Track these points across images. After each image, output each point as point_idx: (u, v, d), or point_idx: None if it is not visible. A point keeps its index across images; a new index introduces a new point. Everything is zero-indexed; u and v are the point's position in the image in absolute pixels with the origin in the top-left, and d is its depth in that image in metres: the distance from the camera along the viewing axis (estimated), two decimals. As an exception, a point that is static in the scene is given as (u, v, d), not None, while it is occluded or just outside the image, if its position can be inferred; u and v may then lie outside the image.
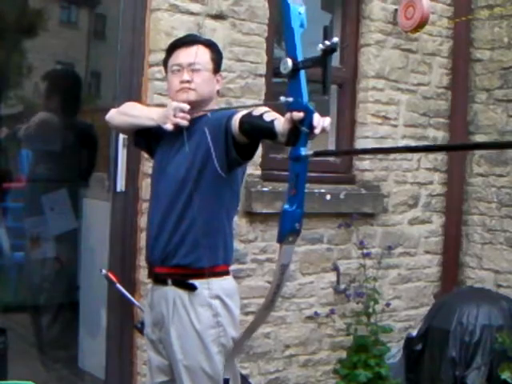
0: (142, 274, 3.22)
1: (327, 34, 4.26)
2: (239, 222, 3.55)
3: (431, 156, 4.37)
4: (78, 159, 4.32)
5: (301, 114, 1.80)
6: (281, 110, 1.95)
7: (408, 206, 4.31)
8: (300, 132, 1.81)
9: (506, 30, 4.35)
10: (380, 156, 4.13)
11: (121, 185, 3.32)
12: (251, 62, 3.58)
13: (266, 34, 3.62)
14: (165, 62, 2.62)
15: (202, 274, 2.42)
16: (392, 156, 4.22)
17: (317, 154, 1.87)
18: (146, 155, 3.05)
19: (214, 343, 2.43)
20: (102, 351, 3.45)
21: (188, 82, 2.48)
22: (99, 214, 3.72)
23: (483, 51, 4.45)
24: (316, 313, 3.92)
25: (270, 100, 3.58)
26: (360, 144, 4.13)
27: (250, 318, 2.99)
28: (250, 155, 2.41)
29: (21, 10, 5.43)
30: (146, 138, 2.68)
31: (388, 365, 3.91)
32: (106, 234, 3.41)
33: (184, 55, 2.52)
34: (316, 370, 3.98)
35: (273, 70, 3.68)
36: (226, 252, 2.51)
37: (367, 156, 4.09)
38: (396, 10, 4.08)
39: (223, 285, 2.50)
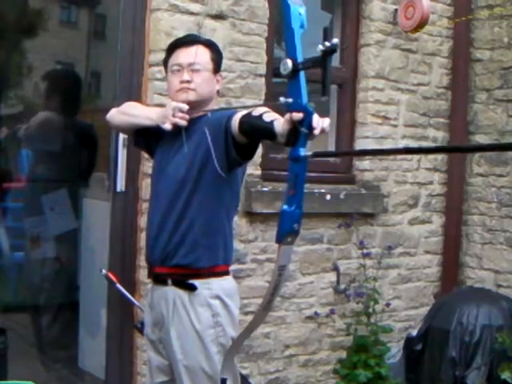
0: (142, 274, 3.22)
1: (327, 35, 4.26)
2: (239, 222, 3.55)
3: (431, 156, 4.37)
4: (78, 159, 4.32)
5: (300, 115, 1.80)
6: (281, 110, 1.95)
7: (408, 206, 4.32)
8: (299, 133, 1.81)
9: (506, 30, 4.35)
10: (380, 156, 4.13)
11: (121, 185, 3.32)
12: (251, 62, 3.58)
13: (266, 34, 3.62)
14: (165, 62, 2.62)
15: (201, 273, 2.43)
16: (392, 156, 4.22)
17: (316, 155, 1.87)
18: (146, 155, 3.06)
19: (214, 343, 2.43)
20: (102, 351, 3.45)
21: (188, 82, 2.49)
22: (99, 214, 3.72)
23: (483, 51, 4.45)
24: (316, 313, 3.92)
25: (270, 100, 3.58)
26: (360, 144, 4.13)
27: (250, 317, 2.98)
28: (249, 155, 2.41)
29: (21, 10, 5.43)
30: (146, 138, 2.68)
31: (388, 365, 3.91)
32: (106, 234, 3.41)
33: (184, 55, 2.52)
34: (316, 370, 3.99)
35: (273, 70, 3.68)
36: (225, 252, 2.52)
37: (367, 156, 4.09)
38: (396, 10, 4.08)
39: (223, 285, 2.50)
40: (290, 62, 1.79)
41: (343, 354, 3.99)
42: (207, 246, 2.44)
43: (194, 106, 2.48)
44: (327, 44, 1.72)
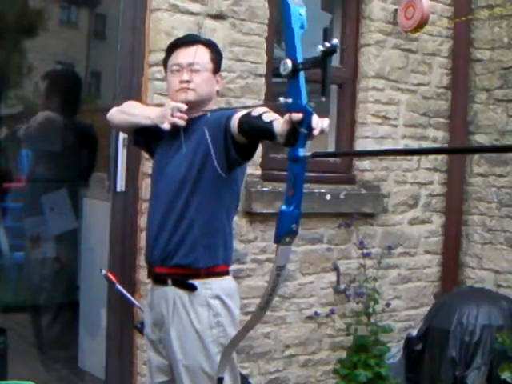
0: (142, 274, 3.22)
1: (327, 36, 4.26)
2: (239, 222, 3.55)
3: (431, 156, 4.37)
4: (78, 159, 4.32)
5: (300, 115, 1.80)
6: (280, 110, 1.95)
7: (408, 206, 4.32)
8: (299, 133, 1.81)
9: (506, 30, 4.35)
10: (380, 156, 4.13)
11: (121, 185, 3.32)
12: (251, 62, 3.58)
13: (266, 34, 3.62)
14: (164, 62, 2.62)
15: (201, 273, 2.43)
16: (392, 156, 4.22)
17: (315, 155, 1.87)
18: (146, 155, 3.06)
19: (214, 343, 2.43)
20: (102, 351, 3.45)
21: (187, 82, 2.49)
22: (99, 214, 3.72)
23: (483, 51, 4.45)
24: (316, 313, 3.92)
25: (270, 100, 3.58)
26: (360, 144, 4.13)
27: (250, 318, 2.99)
28: (249, 155, 2.41)
29: (21, 10, 5.43)
30: (146, 137, 2.68)
31: (388, 365, 3.91)
32: (105, 234, 3.41)
33: (184, 55, 2.52)
34: (316, 370, 3.99)
35: (273, 70, 3.68)
36: (225, 252, 2.52)
37: (367, 156, 4.09)
38: (396, 9, 4.08)
39: (223, 285, 2.50)
40: (289, 63, 1.79)
41: (343, 354, 3.99)
42: (207, 245, 2.44)
43: (193, 106, 2.48)
44: (327, 44, 1.72)
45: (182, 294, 2.45)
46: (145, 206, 3.14)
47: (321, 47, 1.72)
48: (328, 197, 3.88)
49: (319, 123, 1.84)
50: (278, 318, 3.80)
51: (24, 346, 4.06)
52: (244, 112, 2.28)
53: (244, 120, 2.24)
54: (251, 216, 3.64)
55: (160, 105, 3.02)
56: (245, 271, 3.64)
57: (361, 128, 4.15)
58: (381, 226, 4.19)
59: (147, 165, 3.18)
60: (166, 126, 2.46)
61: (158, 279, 2.53)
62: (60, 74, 5.25)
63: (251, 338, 3.64)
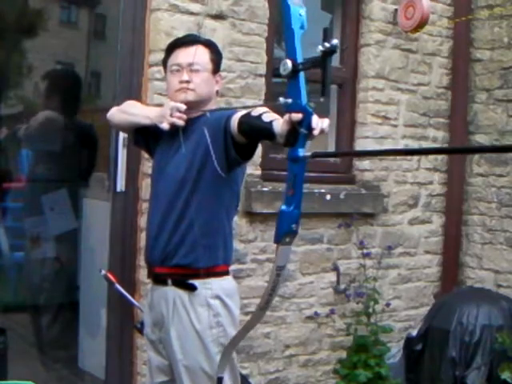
0: (142, 274, 3.22)
1: (327, 36, 4.25)
2: (239, 222, 3.55)
3: (431, 156, 4.37)
4: (78, 159, 4.32)
5: (299, 116, 1.80)
6: (280, 110, 1.95)
7: (408, 206, 4.32)
8: (298, 133, 1.81)
9: (506, 30, 4.35)
10: (380, 156, 4.13)
11: (121, 185, 3.32)
12: (251, 62, 3.58)
13: (266, 34, 3.62)
14: (164, 62, 2.62)
15: (201, 273, 2.43)
16: (392, 156, 4.22)
17: (315, 155, 1.87)
18: (146, 155, 3.06)
19: (214, 343, 2.43)
20: (102, 351, 3.45)
21: (187, 82, 2.49)
22: (99, 214, 3.72)
23: (483, 51, 4.45)
24: (316, 313, 3.92)
25: (270, 100, 3.58)
26: (360, 144, 4.12)
27: (250, 318, 2.99)
28: (249, 155, 2.41)
29: (21, 10, 5.43)
30: (145, 137, 2.68)
31: (388, 365, 3.91)
32: (106, 234, 3.41)
33: (183, 55, 2.52)
34: (316, 370, 3.99)
35: (273, 70, 3.68)
36: (225, 252, 2.52)
37: (367, 156, 4.09)
38: (396, 9, 4.08)
39: (223, 285, 2.50)
40: (289, 63, 1.79)
41: (343, 354, 4.00)
42: (207, 245, 2.44)
43: (192, 106, 2.48)
44: (327, 45, 1.72)
45: (182, 294, 2.45)
46: (145, 206, 3.14)
47: (321, 47, 1.72)
48: (328, 197, 3.88)
49: (319, 123, 1.84)
50: (278, 318, 3.80)
51: (24, 345, 4.06)
52: (244, 112, 2.28)
53: (244, 120, 2.24)
54: (251, 216, 3.64)
55: (160, 105, 3.02)
56: (245, 271, 3.64)
57: (361, 128, 4.15)
58: (381, 226, 4.19)
59: (147, 165, 3.18)
60: (164, 125, 2.46)
61: (158, 279, 2.54)
62: (60, 73, 5.25)
63: (251, 338, 3.64)
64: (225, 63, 2.94)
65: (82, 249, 4.07)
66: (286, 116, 1.84)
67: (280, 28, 3.71)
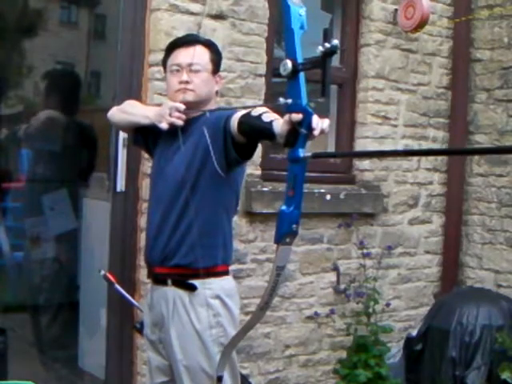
0: (142, 273, 3.22)
1: (327, 36, 4.25)
2: (239, 222, 3.55)
3: (431, 156, 4.38)
4: (78, 159, 4.32)
5: (300, 116, 1.80)
6: (280, 110, 1.95)
7: (408, 206, 4.31)
8: (299, 133, 1.81)
9: (506, 30, 4.35)
10: (380, 157, 4.13)
11: (121, 185, 3.32)
12: (251, 62, 3.58)
13: (266, 34, 3.62)
14: (164, 62, 2.62)
15: (201, 273, 2.42)
16: (392, 157, 4.22)
17: (315, 156, 1.87)
18: (146, 155, 3.06)
19: (214, 343, 2.43)
20: (102, 351, 3.45)
21: (187, 82, 2.48)
22: (99, 214, 3.72)
23: (483, 51, 4.45)
24: (316, 313, 3.92)
25: (270, 100, 3.58)
26: (360, 144, 4.12)
27: (250, 318, 2.99)
28: (249, 155, 2.41)
29: (21, 10, 5.43)
30: (145, 137, 2.68)
31: (388, 365, 3.91)
32: (106, 234, 3.41)
33: (183, 55, 2.51)
34: (316, 370, 3.99)
35: (273, 70, 3.68)
36: (225, 252, 2.52)
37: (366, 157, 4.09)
38: (396, 10, 4.08)
39: (223, 285, 2.50)
40: (289, 63, 1.79)
41: (343, 354, 3.99)
42: (207, 245, 2.43)
43: (192, 106, 2.48)
44: (327, 45, 1.72)
45: (182, 294, 2.45)
46: (145, 206, 3.14)
47: (321, 48, 1.72)
48: (328, 197, 3.88)
49: (319, 124, 1.84)
50: (278, 318, 3.80)
51: (24, 345, 4.06)
52: (243, 112, 2.28)
53: (243, 120, 2.23)
54: (251, 216, 3.64)
55: (160, 105, 3.03)
56: (245, 271, 3.64)
57: (361, 128, 4.14)
58: (381, 226, 4.19)
59: (147, 165, 3.18)
60: (163, 125, 2.46)
61: (158, 279, 2.53)
62: (60, 73, 5.25)
63: (251, 338, 3.64)
64: (225, 63, 2.94)
65: (82, 249, 4.07)
66: (286, 116, 1.84)
67: (280, 28, 3.71)
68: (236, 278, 3.04)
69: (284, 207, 1.87)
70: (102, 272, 2.91)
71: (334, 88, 4.12)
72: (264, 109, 2.19)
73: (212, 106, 2.59)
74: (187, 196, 2.41)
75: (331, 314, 3.95)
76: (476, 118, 4.48)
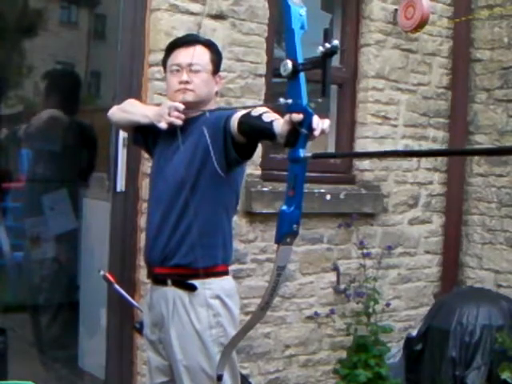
0: (142, 273, 3.22)
1: (328, 37, 4.25)
2: (239, 222, 3.55)
3: (431, 156, 4.38)
4: (78, 159, 4.32)
5: (300, 116, 1.80)
6: (281, 110, 1.95)
7: (408, 206, 4.32)
8: (299, 133, 1.81)
9: (506, 30, 4.35)
10: (380, 157, 4.13)
11: (121, 185, 3.32)
12: (251, 62, 3.58)
13: (266, 34, 3.62)
14: (164, 62, 2.62)
15: (201, 273, 2.42)
16: (392, 157, 4.22)
17: (315, 156, 1.87)
18: (146, 155, 3.06)
19: (215, 343, 2.43)
20: (102, 351, 3.45)
21: (187, 82, 2.48)
22: (99, 213, 3.72)
23: (483, 51, 4.45)
24: (316, 313, 3.92)
25: (270, 100, 3.58)
26: (360, 144, 4.13)
27: (250, 318, 2.99)
28: (249, 155, 2.41)
29: (21, 10, 5.43)
30: (144, 136, 2.68)
31: (388, 365, 3.91)
32: (105, 234, 3.41)
33: (184, 55, 2.51)
34: (316, 370, 3.99)
35: (273, 70, 3.68)
36: (225, 252, 2.52)
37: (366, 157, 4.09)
38: (396, 9, 4.08)
39: (223, 285, 2.50)
40: (290, 63, 1.79)
41: (343, 354, 3.99)
42: (206, 245, 2.43)
43: (191, 106, 2.48)
44: (327, 45, 1.72)
45: (182, 294, 2.45)
46: (145, 206, 3.14)
47: (321, 48, 1.72)
48: (328, 197, 3.88)
49: (320, 124, 1.84)
50: (278, 318, 3.80)
51: (24, 345, 4.06)
52: (244, 112, 2.28)
53: (244, 120, 2.23)
54: (251, 216, 3.64)
55: (160, 105, 3.03)
56: (245, 271, 3.64)
57: (361, 128, 4.15)
58: (381, 226, 4.19)
59: (147, 164, 3.18)
60: (162, 125, 2.46)
61: (158, 279, 2.53)
62: (60, 73, 5.25)
63: (251, 338, 3.64)
64: (225, 63, 2.94)
65: (81, 249, 4.07)
66: (287, 116, 1.84)
67: (280, 28, 3.71)
68: (236, 278, 3.04)
69: (284, 207, 1.87)
70: (102, 272, 2.91)
71: (334, 88, 4.12)
72: (264, 109, 2.19)
73: (212, 106, 2.58)
74: (187, 196, 2.40)
75: (331, 314, 3.95)
76: (476, 118, 4.49)
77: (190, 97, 2.49)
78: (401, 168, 4.26)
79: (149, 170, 2.96)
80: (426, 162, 4.36)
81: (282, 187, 3.54)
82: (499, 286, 4.35)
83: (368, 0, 4.10)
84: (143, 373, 3.27)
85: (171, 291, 2.47)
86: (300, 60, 1.80)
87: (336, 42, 1.72)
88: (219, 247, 2.48)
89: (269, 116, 2.11)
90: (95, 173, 4.19)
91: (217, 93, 2.63)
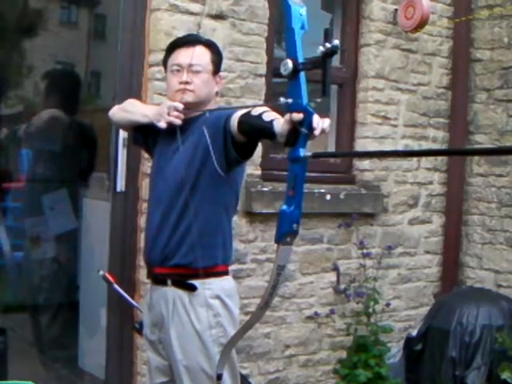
0: (142, 274, 3.22)
1: (328, 36, 4.25)
2: (239, 222, 3.55)
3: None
4: (78, 159, 4.32)
5: (300, 116, 1.80)
6: (281, 110, 1.95)
7: (408, 206, 4.31)
8: (299, 133, 1.81)
9: (506, 30, 4.35)
10: (380, 157, 4.13)
11: (121, 185, 3.32)
12: (251, 62, 3.58)
13: (266, 34, 3.62)
14: (164, 62, 2.61)
15: (201, 273, 2.42)
16: (392, 157, 4.22)
17: (316, 155, 1.87)
18: (146, 155, 3.06)
19: (214, 343, 2.43)
20: (102, 351, 3.45)
21: (187, 82, 2.48)
22: (99, 213, 3.72)
23: (483, 51, 4.45)
24: (316, 313, 3.92)
25: (270, 100, 3.58)
26: (360, 144, 4.13)
27: (250, 318, 2.99)
28: (249, 154, 2.41)
29: (21, 10, 5.43)
30: (144, 136, 2.68)
31: (388, 365, 3.91)
32: (105, 234, 3.41)
33: (184, 56, 2.51)
34: (316, 370, 3.98)
35: (273, 70, 3.68)
36: (225, 252, 2.52)
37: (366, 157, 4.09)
38: (396, 9, 4.08)
39: (223, 285, 2.50)
40: (290, 63, 1.79)
41: (343, 354, 3.99)
42: (206, 245, 2.43)
43: (191, 107, 2.48)
44: (327, 45, 1.72)
45: (182, 294, 2.45)
46: (145, 206, 3.14)
47: (321, 48, 1.72)
48: (328, 197, 3.88)
49: (320, 123, 1.84)
50: (278, 318, 3.80)
51: (24, 345, 4.06)
52: (244, 111, 2.28)
53: (244, 119, 2.23)
54: (251, 216, 3.64)
55: (160, 105, 3.03)
56: (245, 271, 3.63)
57: (361, 128, 4.15)
58: (381, 226, 4.19)
59: (147, 164, 3.18)
60: (162, 124, 2.46)
61: (158, 279, 2.53)
62: (60, 73, 5.25)
63: (251, 338, 3.64)
64: (225, 63, 2.94)
65: (81, 249, 4.07)
66: (287, 116, 1.84)
67: (280, 28, 3.71)
68: (236, 278, 3.04)
69: (284, 207, 1.87)
70: (101, 272, 2.91)
71: (334, 88, 4.12)
72: (264, 108, 2.19)
73: (212, 106, 2.58)
74: (187, 196, 2.40)
75: (331, 314, 3.95)
76: (476, 117, 4.49)
77: (189, 97, 2.49)
78: (401, 168, 4.26)
79: (149, 170, 2.96)
80: (425, 162, 4.36)
81: (282, 187, 3.54)
82: (499, 286, 4.34)
83: (368, 0, 4.10)
84: (143, 373, 3.27)
85: (171, 291, 2.47)
86: (300, 60, 1.80)
87: (336, 42, 1.72)
88: (219, 247, 2.48)
89: (269, 115, 2.11)
90: (95, 173, 4.20)
91: (217, 93, 2.63)
